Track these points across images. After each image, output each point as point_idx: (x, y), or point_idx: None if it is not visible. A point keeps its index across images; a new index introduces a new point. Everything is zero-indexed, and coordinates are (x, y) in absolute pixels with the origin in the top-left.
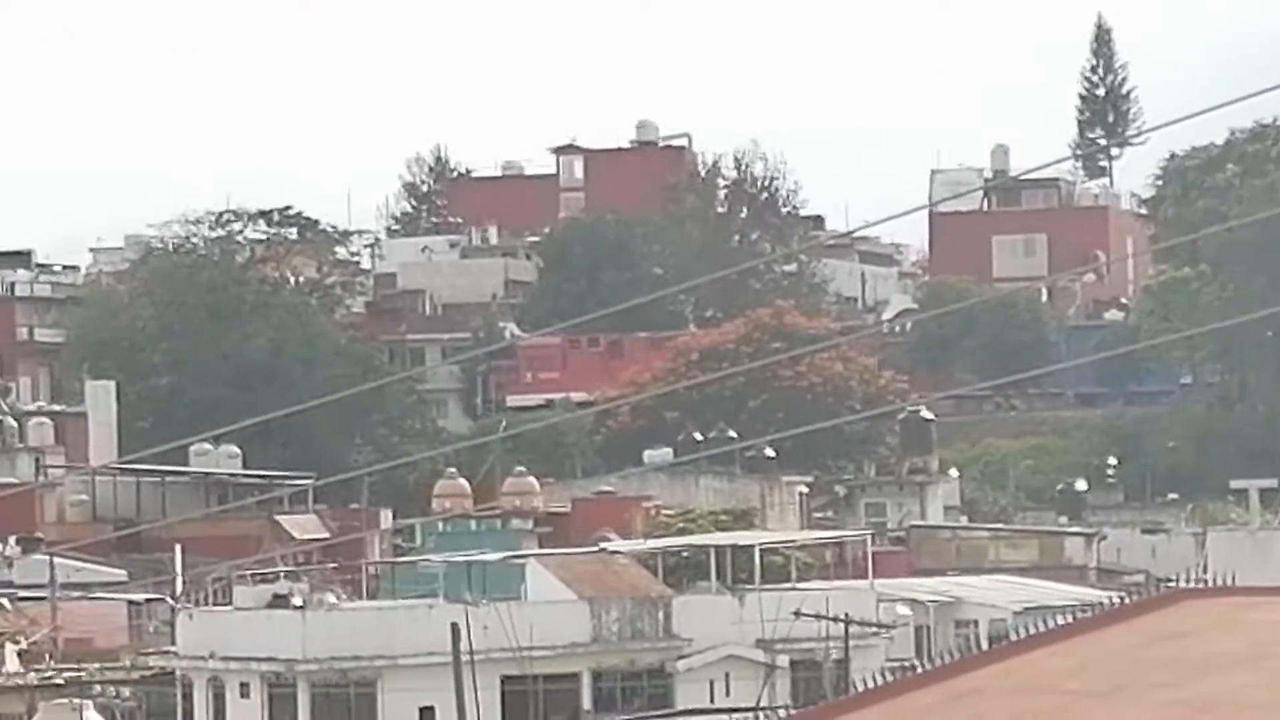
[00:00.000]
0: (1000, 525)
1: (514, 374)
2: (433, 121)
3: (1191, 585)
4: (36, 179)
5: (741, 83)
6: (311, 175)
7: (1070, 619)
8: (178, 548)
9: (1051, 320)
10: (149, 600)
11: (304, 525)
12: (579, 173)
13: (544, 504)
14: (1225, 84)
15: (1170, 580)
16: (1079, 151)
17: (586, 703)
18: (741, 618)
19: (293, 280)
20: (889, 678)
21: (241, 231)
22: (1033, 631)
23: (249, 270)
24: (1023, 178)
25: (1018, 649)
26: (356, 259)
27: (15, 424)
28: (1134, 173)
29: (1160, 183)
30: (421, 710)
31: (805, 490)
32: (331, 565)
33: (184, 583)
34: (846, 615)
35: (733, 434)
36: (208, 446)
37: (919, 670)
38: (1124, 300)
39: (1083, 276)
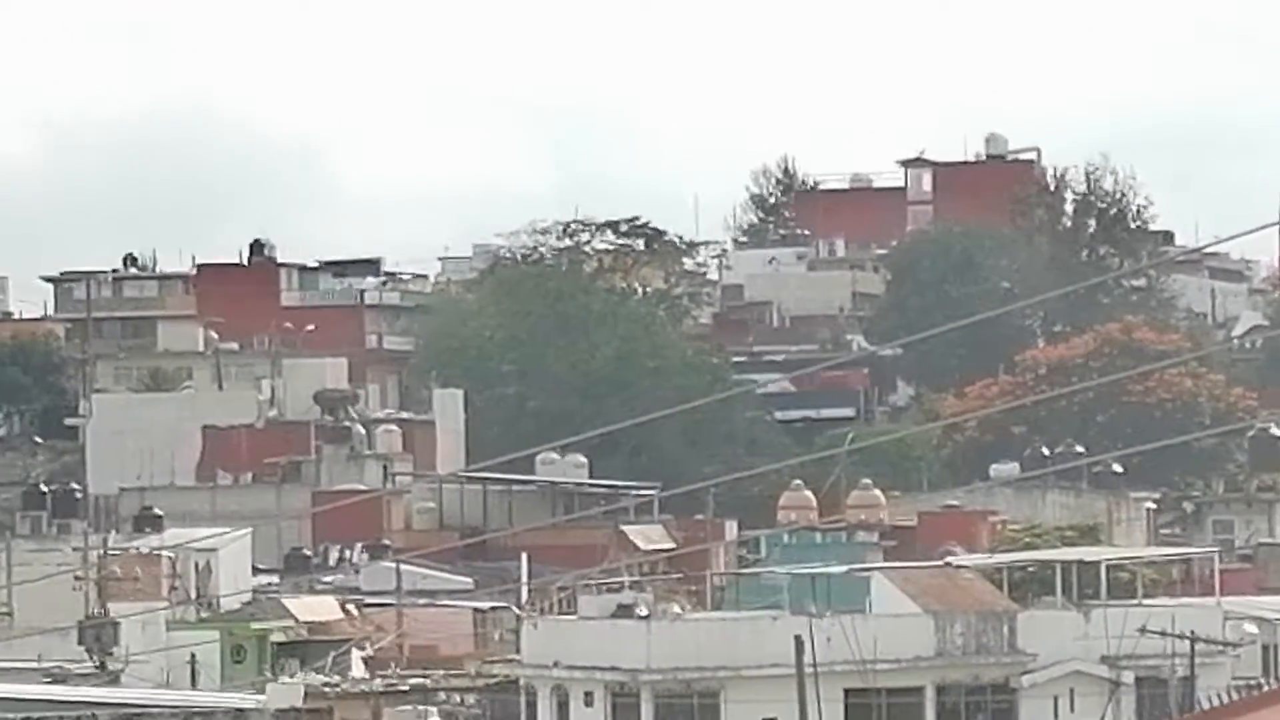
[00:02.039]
0: None
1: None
2: (780, 133)
3: None
4: (386, 188)
5: (1089, 95)
6: (659, 186)
7: None
8: (524, 556)
9: None
10: (494, 608)
11: (649, 535)
12: (927, 185)
13: (890, 517)
14: None
15: None
16: None
17: (930, 717)
18: (1087, 633)
19: (640, 290)
20: (1235, 696)
21: (589, 241)
22: None
23: (597, 280)
24: None
25: None
26: (704, 270)
27: (364, 431)
28: None
29: None
30: None
31: (1153, 506)
32: (676, 576)
33: (529, 591)
34: (1193, 632)
35: (1080, 449)
36: (554, 455)
37: (1265, 688)
38: None
39: None
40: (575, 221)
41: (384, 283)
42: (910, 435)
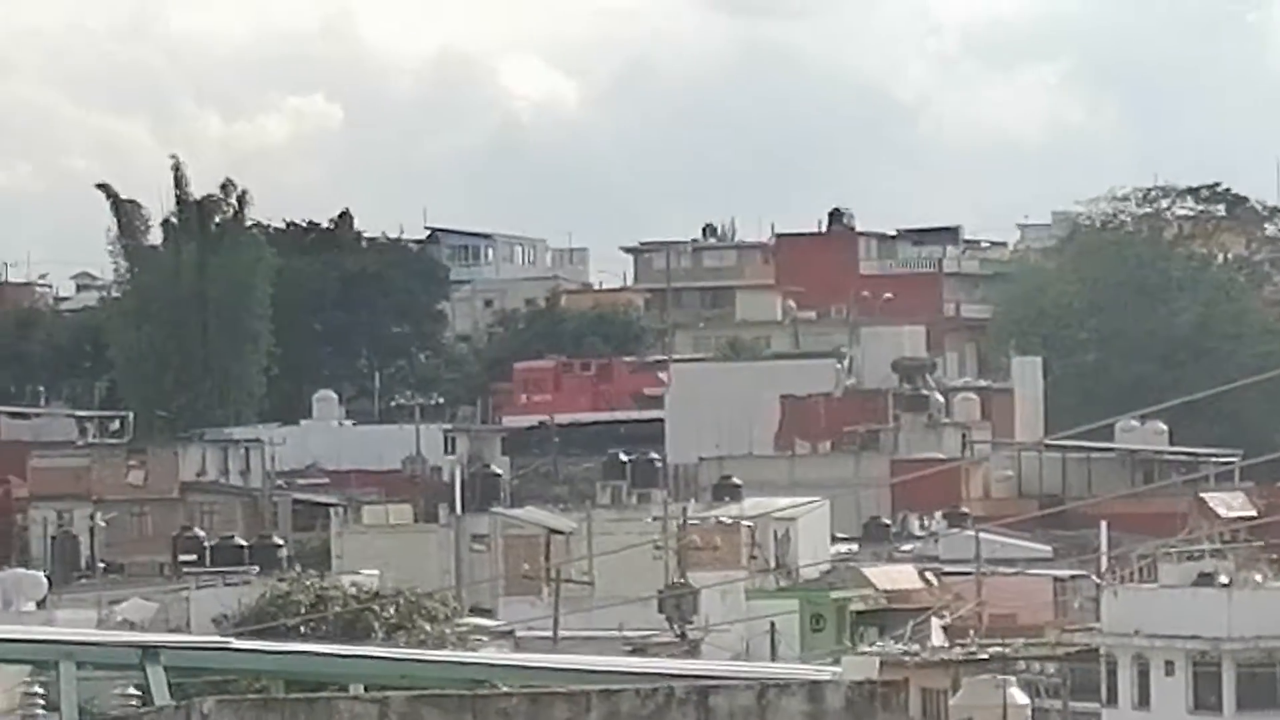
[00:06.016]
0: None
1: None
2: None
3: None
4: (964, 157)
5: None
6: (1241, 151)
7: None
8: (1103, 524)
9: None
10: (1074, 576)
11: (1230, 503)
12: None
13: None
14: None
15: None
16: None
17: None
18: None
19: (1221, 257)
20: None
21: (1169, 208)
22: None
23: (1176, 247)
24: None
25: None
26: None
27: (942, 399)
28: None
29: None
30: None
31: None
32: (1258, 544)
33: (1109, 559)
34: None
35: None
36: (1134, 423)
37: None
38: None
39: None
40: (1155, 188)
41: (963, 251)
42: None
